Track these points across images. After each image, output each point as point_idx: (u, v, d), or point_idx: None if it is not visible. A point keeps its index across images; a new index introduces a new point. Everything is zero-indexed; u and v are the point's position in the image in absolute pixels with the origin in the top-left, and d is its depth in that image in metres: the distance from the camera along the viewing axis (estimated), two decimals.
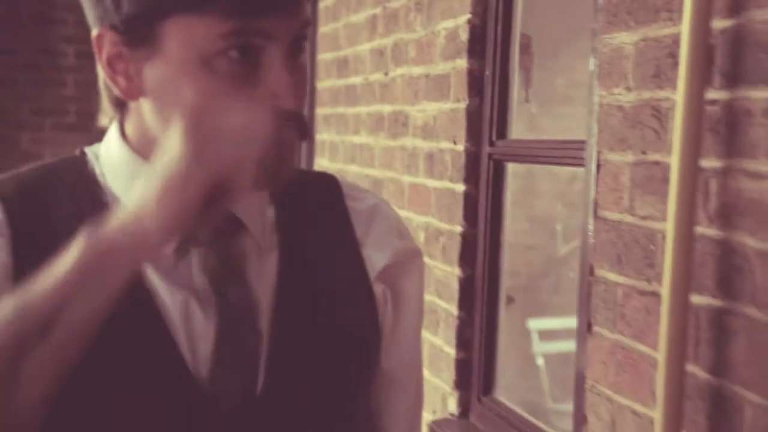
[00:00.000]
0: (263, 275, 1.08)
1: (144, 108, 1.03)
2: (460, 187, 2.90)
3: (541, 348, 4.60)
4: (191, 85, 0.96)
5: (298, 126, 1.00)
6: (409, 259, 1.19)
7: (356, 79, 3.94)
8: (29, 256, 0.96)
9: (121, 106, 1.07)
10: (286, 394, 1.06)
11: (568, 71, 2.51)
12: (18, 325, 0.80)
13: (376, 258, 1.16)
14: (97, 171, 1.09)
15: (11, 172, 1.11)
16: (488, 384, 2.83)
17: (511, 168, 2.90)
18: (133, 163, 1.06)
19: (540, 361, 4.59)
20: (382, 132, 3.62)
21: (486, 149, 2.84)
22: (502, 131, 2.81)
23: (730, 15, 1.63)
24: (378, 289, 1.15)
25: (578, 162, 2.26)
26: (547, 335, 4.58)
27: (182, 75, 0.97)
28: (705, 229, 1.70)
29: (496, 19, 2.78)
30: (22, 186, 1.08)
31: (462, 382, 2.87)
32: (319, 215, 1.15)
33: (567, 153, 2.41)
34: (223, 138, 0.85)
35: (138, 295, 0.99)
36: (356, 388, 1.13)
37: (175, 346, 1.02)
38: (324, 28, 4.44)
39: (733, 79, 1.63)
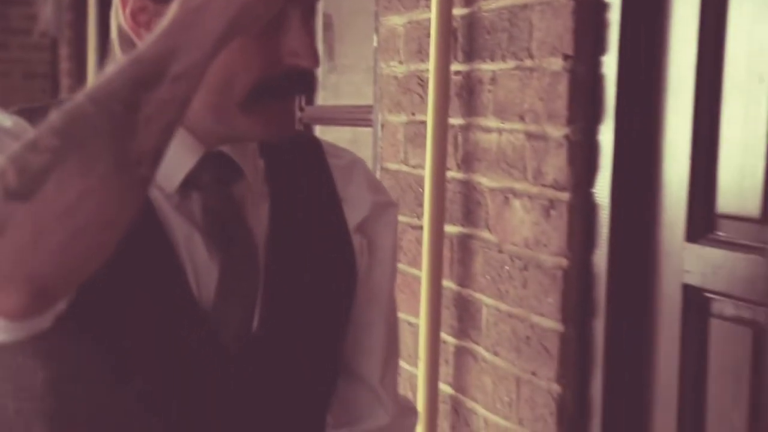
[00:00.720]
0: (258, 221, 1.11)
1: None
2: None
3: None
4: None
5: (308, 81, 1.04)
6: (384, 211, 1.23)
7: None
8: None
9: None
10: (279, 329, 1.11)
11: (363, 45, 2.93)
12: (133, 69, 0.84)
13: (354, 211, 1.20)
14: None
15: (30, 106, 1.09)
16: None
17: (337, 133, 3.29)
18: None
19: None
20: None
21: (297, 114, 3.24)
22: (310, 98, 3.22)
23: (466, 4, 2.08)
24: (356, 240, 1.19)
25: (368, 123, 2.69)
26: None
27: None
28: (454, 174, 2.16)
29: None
30: (34, 112, 1.05)
31: None
32: (303, 170, 1.18)
33: (359, 116, 2.84)
34: None
35: (150, 225, 1.03)
36: (336, 330, 1.19)
37: (183, 276, 1.05)
38: None
39: (470, 55, 2.08)
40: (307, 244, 1.14)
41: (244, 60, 0.98)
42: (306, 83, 1.03)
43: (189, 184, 1.06)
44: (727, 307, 1.56)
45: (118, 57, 1.07)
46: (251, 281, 1.08)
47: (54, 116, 0.83)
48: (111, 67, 0.86)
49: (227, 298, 1.07)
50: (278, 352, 1.11)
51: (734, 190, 1.54)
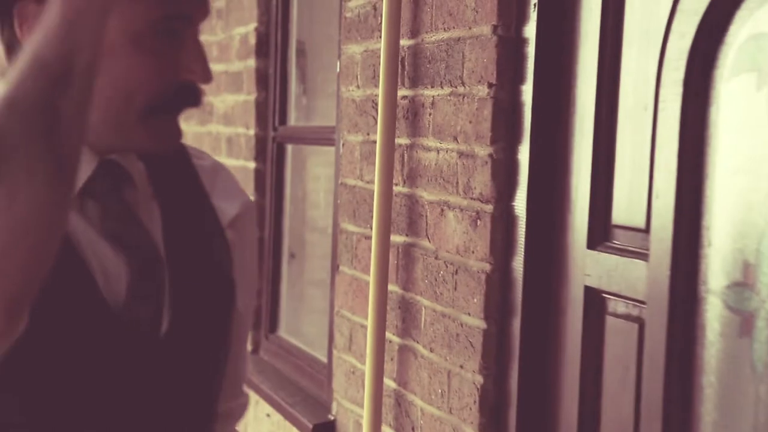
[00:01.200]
0: (152, 222, 1.16)
1: None
2: (252, 165, 3.53)
3: None
4: (121, 60, 1.05)
5: (198, 96, 1.11)
6: (249, 209, 1.32)
7: None
8: None
9: None
10: (187, 323, 1.16)
11: (331, 71, 3.16)
12: (42, 74, 0.84)
13: (226, 209, 1.26)
14: None
15: None
16: (273, 324, 3.48)
17: (323, 155, 3.45)
18: None
19: None
20: (193, 119, 4.20)
21: (271, 133, 3.48)
22: (283, 119, 3.45)
23: (412, 36, 2.32)
24: (229, 235, 1.26)
25: (332, 143, 2.92)
26: None
27: (113, 50, 1.04)
28: (400, 188, 2.39)
29: (277, 27, 3.42)
30: None
31: (253, 324, 3.50)
32: (176, 171, 1.24)
33: (325, 136, 3.07)
34: None
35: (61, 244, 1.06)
36: (229, 318, 1.26)
37: (92, 280, 1.08)
38: None
39: (414, 81, 2.32)
40: (195, 240, 1.20)
41: (143, 76, 1.06)
42: (196, 98, 1.11)
43: (84, 192, 1.10)
44: (619, 306, 1.79)
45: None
46: (158, 280, 1.13)
47: None
48: (12, 75, 0.85)
49: (138, 298, 1.11)
50: (188, 345, 1.16)
51: (625, 204, 1.77)
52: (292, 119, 3.47)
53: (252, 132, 3.53)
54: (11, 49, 1.08)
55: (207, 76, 1.09)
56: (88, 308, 1.07)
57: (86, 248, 1.09)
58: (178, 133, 1.13)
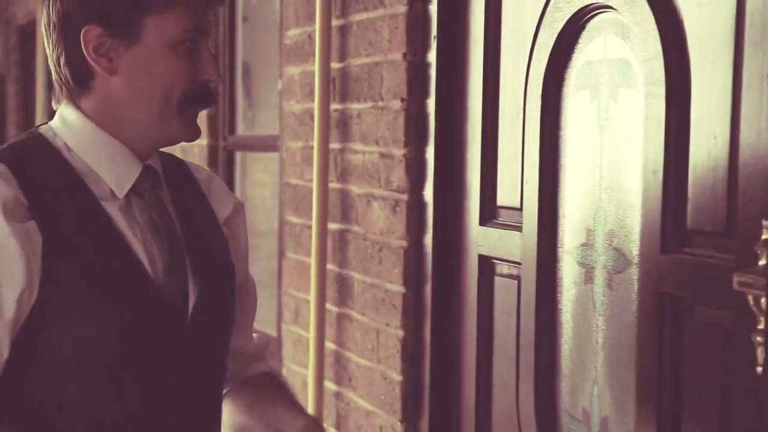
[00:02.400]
0: (173, 216, 1.42)
1: (113, 85, 1.36)
2: None
3: None
4: (163, 63, 1.35)
5: (212, 95, 1.42)
6: (240, 210, 1.59)
7: None
8: (37, 203, 1.30)
9: (82, 88, 1.38)
10: (208, 295, 1.43)
11: (272, 88, 3.66)
12: None
13: (221, 210, 1.54)
14: (60, 144, 1.38)
15: None
16: None
17: (266, 162, 3.94)
18: (99, 136, 1.37)
19: None
20: None
21: (221, 143, 3.97)
22: (232, 129, 3.95)
23: (341, 60, 2.84)
24: (225, 230, 1.54)
25: (276, 149, 3.43)
26: None
27: (157, 56, 1.34)
28: (335, 184, 2.90)
29: (224, 50, 3.92)
30: (14, 154, 1.36)
31: None
32: (180, 179, 1.50)
33: (270, 143, 3.57)
34: None
35: (114, 237, 1.34)
36: (233, 293, 1.52)
37: (141, 266, 1.36)
38: None
39: (343, 97, 2.84)
40: (202, 231, 1.50)
41: (177, 74, 1.36)
42: (211, 97, 1.45)
43: (131, 191, 1.39)
44: (504, 268, 2.32)
45: (57, 98, 1.41)
46: (183, 261, 1.42)
47: None
48: None
49: (173, 275, 1.39)
50: (211, 314, 1.45)
51: (506, 189, 2.31)
52: (240, 130, 3.96)
53: (205, 142, 4.02)
54: (78, 71, 1.37)
55: (220, 76, 1.42)
56: (139, 289, 1.35)
57: (133, 239, 1.37)
58: (197, 126, 1.45)
